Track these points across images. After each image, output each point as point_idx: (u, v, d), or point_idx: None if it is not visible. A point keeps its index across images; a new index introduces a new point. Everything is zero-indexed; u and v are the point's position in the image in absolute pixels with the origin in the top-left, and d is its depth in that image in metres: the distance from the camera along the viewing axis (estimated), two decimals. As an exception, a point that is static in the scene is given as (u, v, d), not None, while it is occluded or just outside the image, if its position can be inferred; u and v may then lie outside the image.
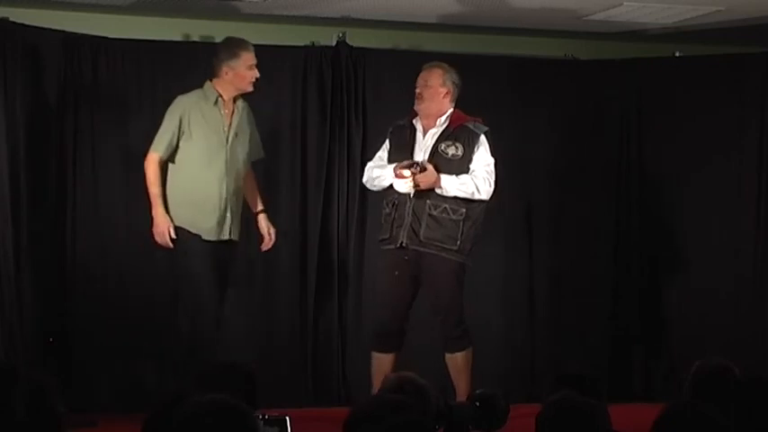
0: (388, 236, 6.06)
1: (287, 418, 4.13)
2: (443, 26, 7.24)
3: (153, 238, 6.02)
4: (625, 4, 6.60)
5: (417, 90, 6.13)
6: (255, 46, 6.82)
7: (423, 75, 6.16)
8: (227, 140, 6.05)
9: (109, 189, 6.69)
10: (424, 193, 5.97)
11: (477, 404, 4.06)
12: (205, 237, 6.02)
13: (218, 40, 6.99)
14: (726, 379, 4.12)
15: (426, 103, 6.11)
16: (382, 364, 6.06)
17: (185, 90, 6.74)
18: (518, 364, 7.24)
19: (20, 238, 6.24)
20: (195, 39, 7.03)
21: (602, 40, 7.56)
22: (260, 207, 6.33)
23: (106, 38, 6.70)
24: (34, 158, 6.37)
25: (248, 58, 6.07)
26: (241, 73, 6.05)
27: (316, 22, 6.90)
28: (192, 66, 6.80)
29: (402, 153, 6.09)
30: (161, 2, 6.61)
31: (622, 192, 7.49)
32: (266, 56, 6.63)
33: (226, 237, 6.07)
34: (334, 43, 7.04)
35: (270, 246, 6.34)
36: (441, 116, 6.13)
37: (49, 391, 3.77)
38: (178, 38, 6.98)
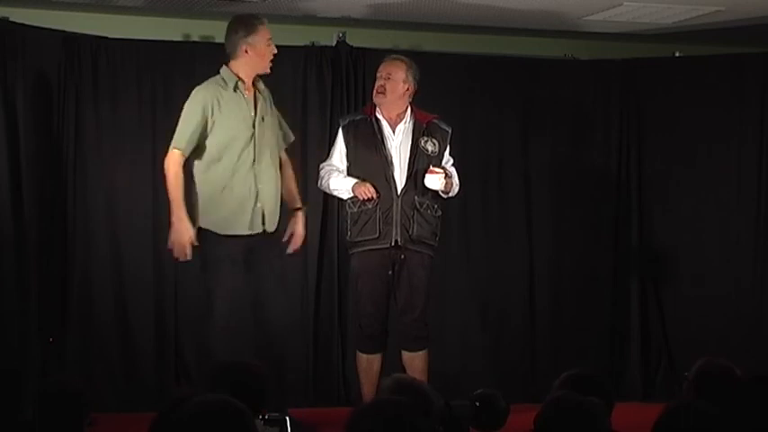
0: (376, 235, 5.96)
1: (287, 418, 4.14)
2: (443, 26, 7.24)
3: (169, 249, 5.62)
4: (625, 4, 6.59)
5: (379, 83, 6.08)
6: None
7: (385, 67, 6.10)
8: (254, 126, 5.68)
9: (109, 189, 6.68)
10: (410, 191, 5.98)
11: (477, 404, 4.06)
12: (235, 232, 5.62)
13: (218, 40, 7.01)
14: (726, 379, 4.13)
15: (388, 97, 6.05)
16: (372, 365, 6.05)
17: (185, 90, 6.77)
18: (518, 364, 7.24)
19: (21, 237, 6.24)
20: (195, 39, 7.04)
21: (602, 40, 7.56)
22: (297, 204, 5.92)
23: (106, 38, 6.70)
24: (35, 158, 6.37)
25: (266, 32, 5.68)
26: (261, 50, 5.67)
27: (316, 21, 6.90)
28: (192, 66, 6.80)
29: (369, 148, 6.02)
30: (161, 2, 6.61)
31: (622, 192, 7.49)
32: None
33: (258, 230, 5.67)
34: (334, 43, 7.04)
35: (298, 247, 5.93)
36: (402, 111, 6.09)
37: (69, 392, 3.81)
38: (178, 38, 6.98)
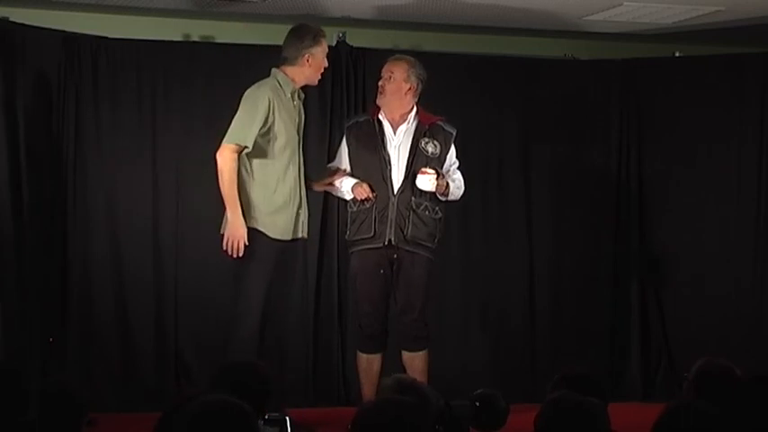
0: (371, 234, 5.96)
1: (287, 418, 4.13)
2: (443, 26, 7.24)
3: (222, 242, 5.56)
4: (625, 4, 6.60)
5: (380, 83, 6.08)
6: (256, 46, 6.85)
7: (387, 67, 6.09)
8: (299, 133, 5.78)
9: (109, 189, 6.68)
10: (407, 191, 5.98)
11: (477, 404, 4.06)
12: (280, 237, 5.68)
13: (218, 40, 7.02)
14: (726, 379, 4.13)
15: (388, 98, 6.04)
16: (373, 364, 6.05)
17: (185, 90, 6.78)
18: (518, 364, 7.24)
19: (21, 237, 6.24)
20: (195, 39, 7.03)
21: (602, 40, 7.56)
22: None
23: (106, 38, 6.70)
24: (34, 158, 6.37)
25: (326, 46, 5.80)
26: (320, 62, 5.75)
27: (316, 22, 6.89)
28: (192, 66, 6.80)
29: (369, 149, 6.03)
30: (161, 2, 6.61)
31: (622, 192, 7.48)
32: (267, 56, 6.63)
33: (299, 235, 5.78)
34: (334, 43, 7.03)
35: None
36: (406, 112, 6.08)
37: (68, 392, 3.81)
38: (178, 38, 6.98)
